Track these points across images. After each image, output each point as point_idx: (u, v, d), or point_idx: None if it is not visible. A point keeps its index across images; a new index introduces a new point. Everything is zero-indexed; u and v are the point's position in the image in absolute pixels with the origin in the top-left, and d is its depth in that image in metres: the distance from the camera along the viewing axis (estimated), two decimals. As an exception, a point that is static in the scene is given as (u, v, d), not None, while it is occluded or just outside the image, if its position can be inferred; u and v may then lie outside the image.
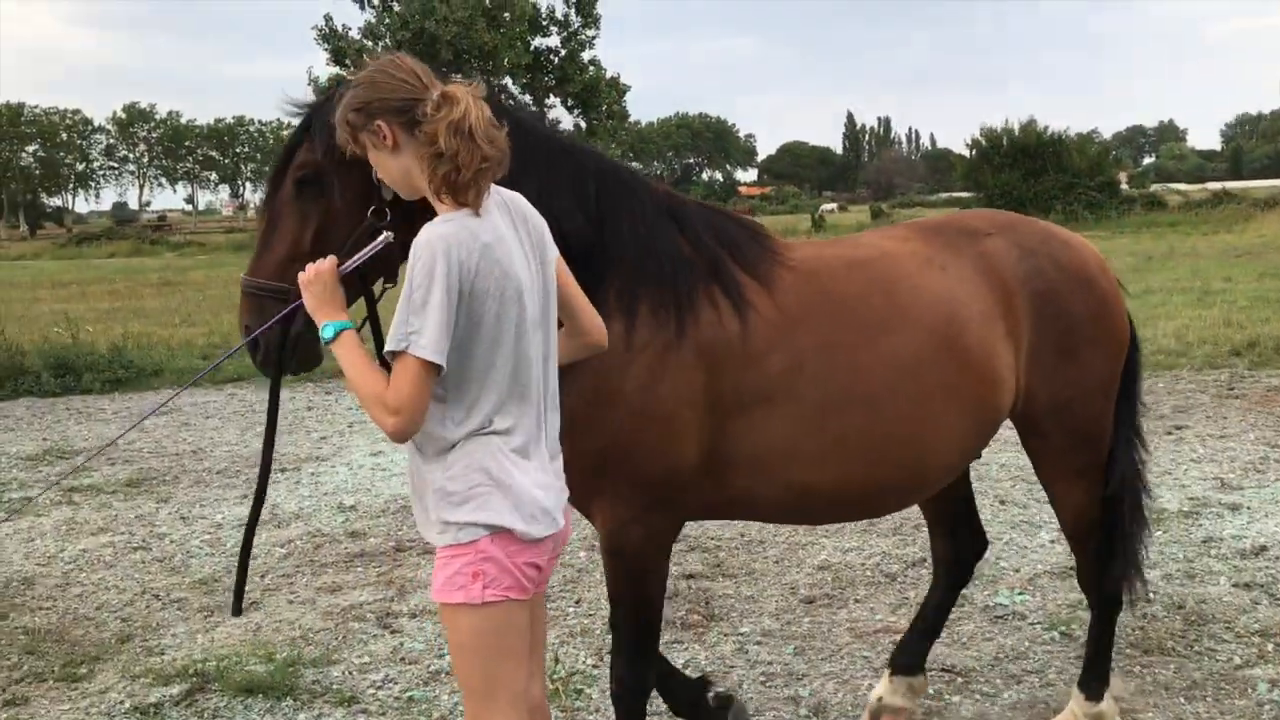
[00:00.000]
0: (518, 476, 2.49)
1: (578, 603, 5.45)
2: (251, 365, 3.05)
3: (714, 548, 6.18)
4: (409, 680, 4.59)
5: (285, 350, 2.89)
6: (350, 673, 4.68)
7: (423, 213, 2.80)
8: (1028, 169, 44.25)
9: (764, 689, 4.43)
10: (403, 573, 5.93)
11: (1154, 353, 11.70)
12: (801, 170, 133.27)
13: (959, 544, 4.10)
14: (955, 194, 55.12)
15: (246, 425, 10.25)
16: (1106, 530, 3.85)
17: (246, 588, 5.73)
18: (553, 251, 2.66)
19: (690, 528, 6.48)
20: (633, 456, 2.99)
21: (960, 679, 4.46)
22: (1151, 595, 5.21)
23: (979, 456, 3.70)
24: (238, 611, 3.31)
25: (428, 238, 2.41)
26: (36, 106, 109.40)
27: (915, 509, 4.53)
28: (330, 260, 2.66)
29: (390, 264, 2.91)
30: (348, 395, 11.34)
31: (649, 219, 3.14)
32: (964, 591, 5.31)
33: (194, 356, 14.11)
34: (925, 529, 4.45)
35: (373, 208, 2.83)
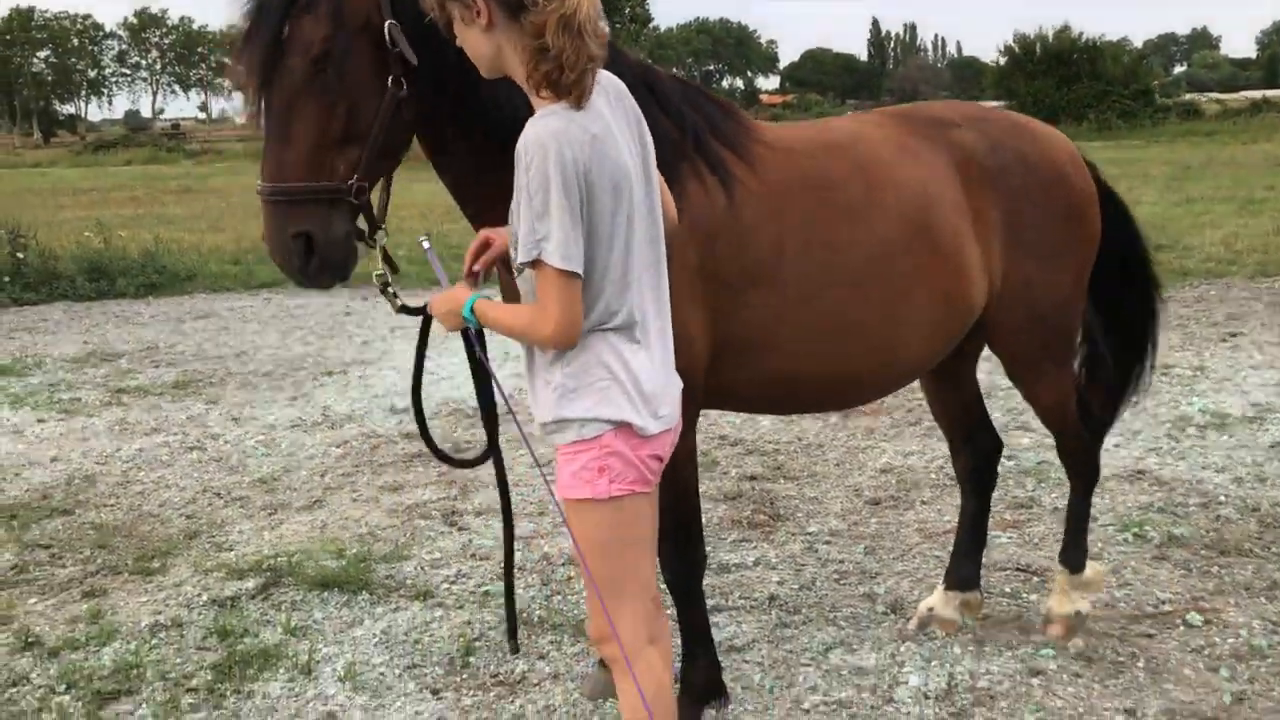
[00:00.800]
0: (635, 369, 2.44)
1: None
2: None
3: (772, 451, 6.15)
4: (482, 575, 4.60)
5: (344, 256, 2.74)
6: (422, 568, 4.69)
7: (447, 79, 2.69)
8: (1061, 76, 43.39)
9: (839, 586, 4.42)
10: (463, 473, 5.91)
11: (1203, 260, 11.54)
12: (825, 78, 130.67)
13: (978, 447, 4.10)
14: (984, 102, 54.10)
15: (286, 329, 10.23)
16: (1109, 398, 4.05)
17: (307, 485, 5.82)
18: (647, 131, 2.56)
19: (745, 432, 6.45)
20: None
21: (1036, 578, 4.45)
22: (1223, 498, 5.17)
23: (947, 354, 3.65)
24: (515, 648, 3.14)
25: (536, 136, 2.30)
26: (46, 11, 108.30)
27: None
28: (432, 300, 2.62)
29: (405, 135, 2.81)
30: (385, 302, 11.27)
31: (633, 91, 2.91)
32: (1032, 494, 5.35)
33: (224, 262, 14.08)
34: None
35: (391, 76, 2.68)
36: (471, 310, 2.50)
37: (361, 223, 2.81)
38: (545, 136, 2.29)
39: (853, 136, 3.43)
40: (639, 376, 2.44)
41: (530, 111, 2.40)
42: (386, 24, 2.65)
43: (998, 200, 3.45)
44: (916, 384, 4.27)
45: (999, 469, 4.23)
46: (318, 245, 2.68)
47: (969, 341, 3.73)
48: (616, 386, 2.42)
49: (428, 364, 3.09)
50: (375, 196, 2.87)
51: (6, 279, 12.10)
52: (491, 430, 2.96)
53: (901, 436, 6.35)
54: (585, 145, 2.30)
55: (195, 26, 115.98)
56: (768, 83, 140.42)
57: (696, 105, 3.15)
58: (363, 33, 2.66)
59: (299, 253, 2.69)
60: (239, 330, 10.28)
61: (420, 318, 2.87)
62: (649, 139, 2.55)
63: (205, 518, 5.43)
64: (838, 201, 3.21)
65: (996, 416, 5.86)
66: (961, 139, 3.48)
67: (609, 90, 2.48)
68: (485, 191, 2.90)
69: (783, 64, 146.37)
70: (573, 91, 2.32)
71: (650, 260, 2.50)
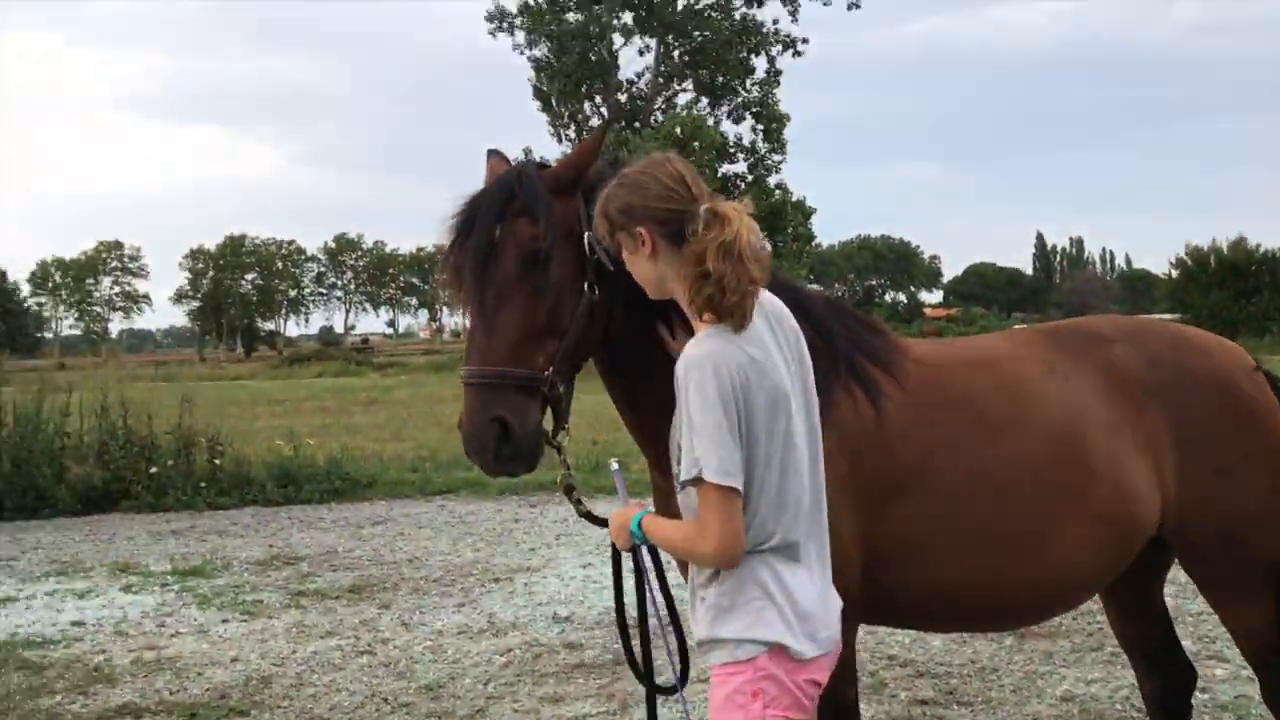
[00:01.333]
0: (792, 588, 2.45)
1: None
2: (471, 471, 2.96)
3: (944, 674, 5.89)
4: (641, 796, 4.50)
5: (535, 445, 2.86)
6: (581, 785, 4.63)
7: (627, 293, 2.79)
8: (1238, 289, 42.25)
9: (1019, 826, 4.14)
10: (622, 686, 5.87)
11: None
12: (990, 292, 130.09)
13: (1165, 676, 3.89)
14: (1158, 316, 52.83)
15: (457, 536, 10.51)
16: None
17: (470, 694, 5.86)
18: (807, 353, 2.63)
19: (915, 652, 6.22)
20: None
21: (1241, 828, 4.07)
22: None
23: (1117, 573, 3.49)
24: None
25: (696, 356, 2.40)
26: (256, 238, 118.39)
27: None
28: (611, 517, 2.71)
29: (594, 337, 2.94)
30: (553, 506, 11.53)
31: None
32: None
33: (403, 469, 14.68)
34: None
35: (588, 281, 2.87)
36: (639, 525, 2.57)
37: (547, 421, 2.95)
38: (704, 357, 2.39)
39: (999, 354, 3.50)
40: (796, 597, 2.44)
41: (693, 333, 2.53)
42: (586, 234, 2.87)
43: (1162, 416, 3.39)
44: (1099, 605, 4.10)
45: (1192, 702, 3.96)
46: (513, 432, 2.80)
47: (1151, 560, 3.60)
48: (772, 607, 2.42)
49: (591, 571, 3.17)
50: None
51: (204, 484, 12.90)
52: (645, 653, 2.94)
53: (1083, 662, 6.01)
54: (744, 366, 2.39)
55: (387, 250, 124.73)
56: (931, 296, 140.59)
57: (844, 323, 3.28)
58: (568, 239, 2.88)
59: (494, 436, 2.79)
60: (413, 536, 10.63)
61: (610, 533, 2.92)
62: (809, 360, 2.62)
63: (372, 723, 5.52)
64: (982, 417, 3.26)
65: (1186, 644, 5.50)
66: (1116, 355, 3.46)
67: (769, 313, 2.57)
68: (649, 404, 3.03)
69: (946, 278, 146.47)
70: (734, 314, 2.42)
71: (810, 479, 2.53)
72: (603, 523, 2.85)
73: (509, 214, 2.87)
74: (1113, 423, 3.34)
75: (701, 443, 2.35)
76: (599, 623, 7.10)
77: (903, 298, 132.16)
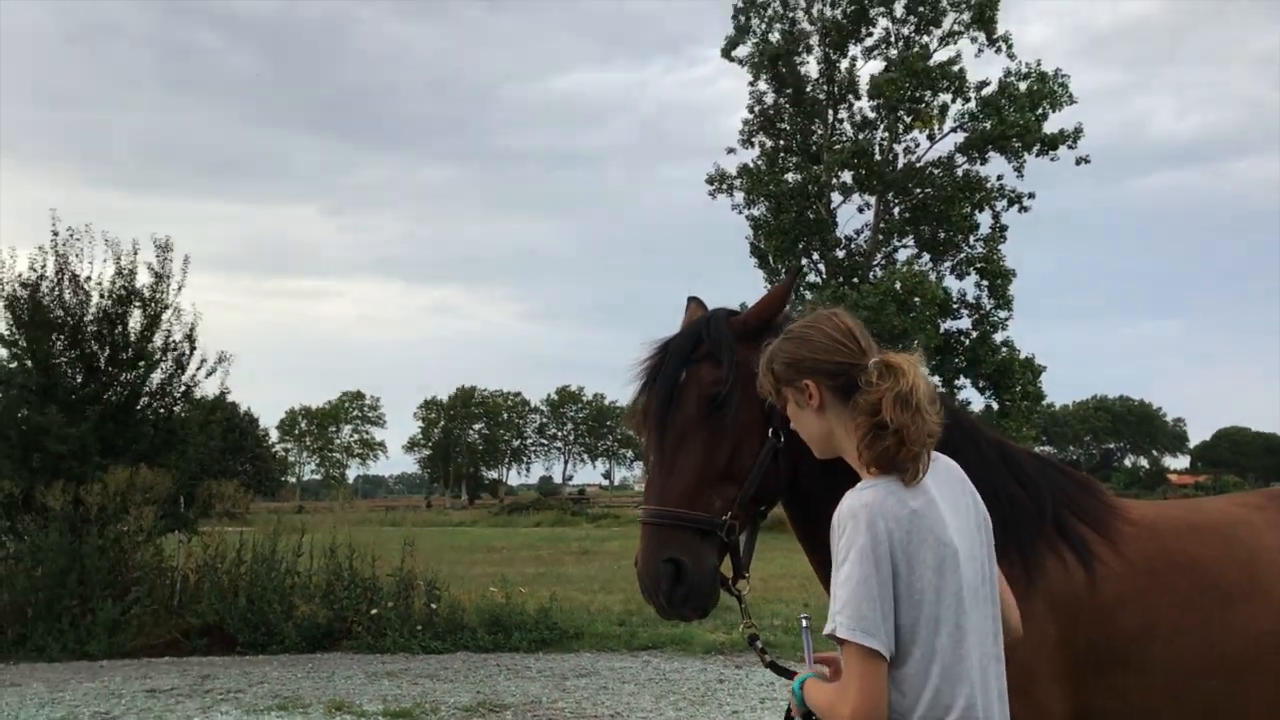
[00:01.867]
0: None
1: None
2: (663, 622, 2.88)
3: None
4: None
5: (709, 588, 2.79)
6: None
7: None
8: None
9: None
10: None
11: None
12: (1244, 459, 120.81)
13: None
14: None
15: (660, 693, 10.28)
16: None
17: None
18: (987, 519, 2.46)
19: None
20: None
21: None
22: None
23: None
24: None
25: (850, 507, 2.29)
26: (485, 389, 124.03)
27: None
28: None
29: (778, 484, 2.87)
30: (758, 669, 11.14)
31: (989, 464, 2.93)
32: None
33: (611, 622, 14.61)
34: None
35: (772, 428, 2.81)
36: (801, 687, 2.42)
37: (726, 568, 2.86)
38: (858, 507, 2.27)
39: (1229, 519, 3.19)
40: None
41: None
42: None
43: None
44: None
45: None
46: (686, 574, 2.76)
47: None
48: None
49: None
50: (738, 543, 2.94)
51: (420, 627, 13.21)
52: None
53: None
54: (902, 519, 2.25)
55: (606, 402, 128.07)
56: (1176, 462, 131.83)
57: (1051, 479, 3.10)
58: (752, 384, 2.83)
59: (668, 577, 2.76)
60: (616, 690, 10.46)
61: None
62: (987, 523, 2.45)
63: None
64: (1212, 586, 2.97)
65: None
66: None
67: (942, 472, 2.44)
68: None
69: (1193, 442, 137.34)
70: (907, 468, 2.31)
71: (991, 653, 2.33)
72: (787, 673, 2.72)
73: (694, 358, 2.90)
74: None
75: (843, 596, 2.22)
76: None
77: (1144, 462, 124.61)
